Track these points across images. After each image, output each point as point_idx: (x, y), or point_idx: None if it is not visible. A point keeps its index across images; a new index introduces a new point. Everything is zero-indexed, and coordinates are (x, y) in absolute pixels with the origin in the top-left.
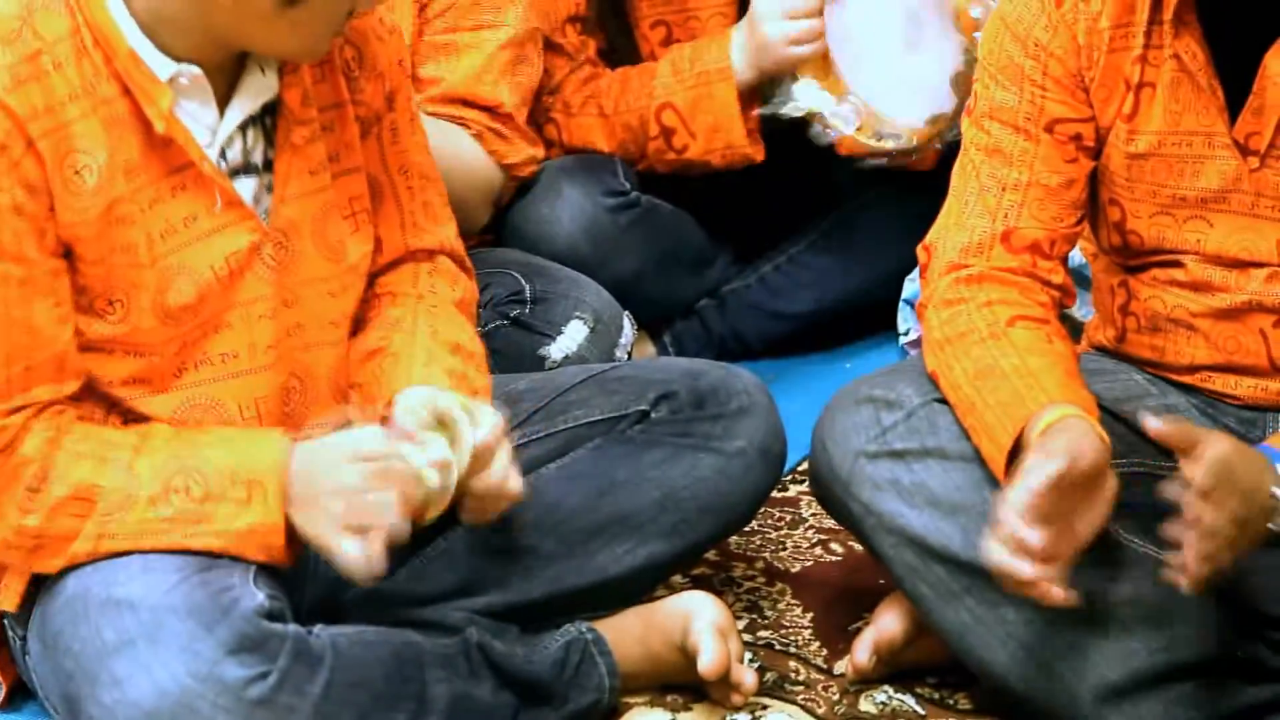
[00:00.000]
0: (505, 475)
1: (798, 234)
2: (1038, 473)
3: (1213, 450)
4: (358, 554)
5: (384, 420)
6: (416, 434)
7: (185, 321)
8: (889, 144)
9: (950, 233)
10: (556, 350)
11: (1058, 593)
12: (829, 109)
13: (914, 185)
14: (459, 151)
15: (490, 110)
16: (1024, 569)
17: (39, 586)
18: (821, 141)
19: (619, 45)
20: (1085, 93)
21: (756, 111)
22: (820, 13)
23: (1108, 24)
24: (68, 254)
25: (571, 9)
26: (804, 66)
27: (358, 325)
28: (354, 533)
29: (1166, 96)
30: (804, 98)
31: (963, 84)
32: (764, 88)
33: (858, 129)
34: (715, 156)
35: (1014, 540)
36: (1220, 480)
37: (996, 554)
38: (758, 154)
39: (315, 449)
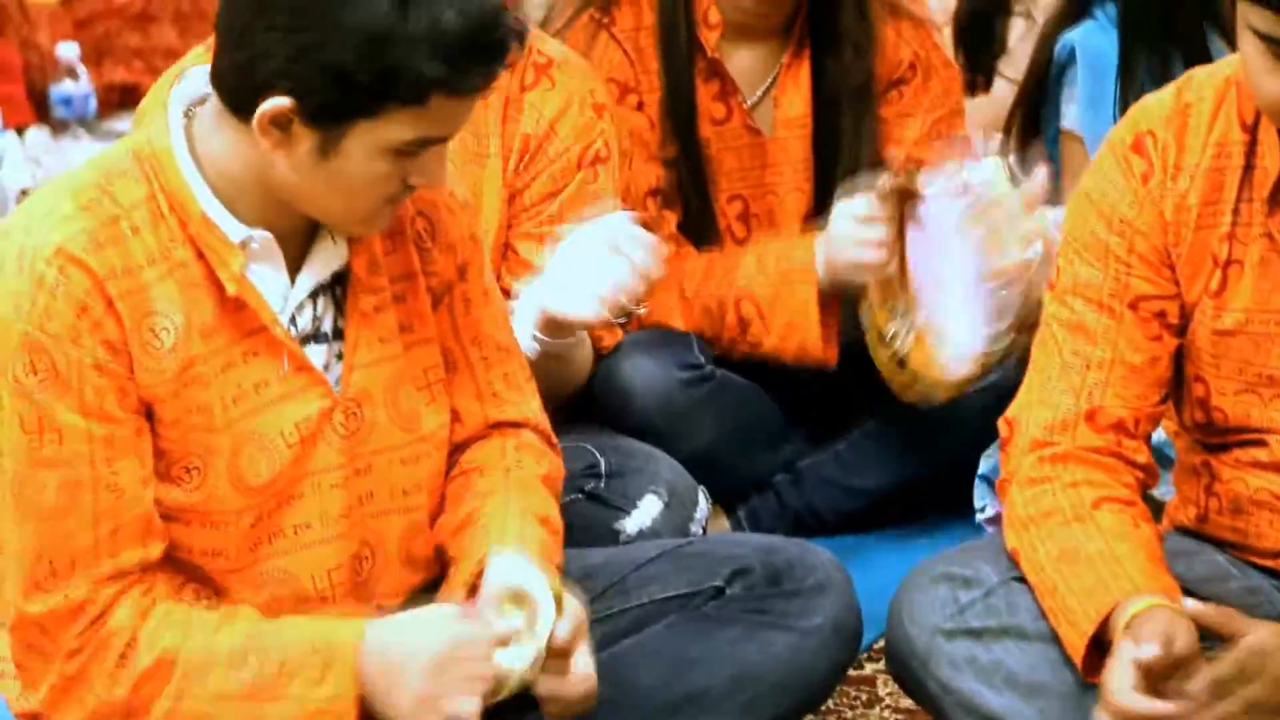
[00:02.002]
0: (587, 673)
1: (873, 409)
2: (1134, 654)
3: (1251, 637)
4: None
5: (473, 589)
6: (498, 612)
7: (260, 491)
8: (947, 368)
9: (1033, 409)
10: (631, 525)
11: None
12: (889, 327)
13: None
14: (581, 350)
15: None
16: None
17: None
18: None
19: (697, 218)
20: (1171, 269)
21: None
22: (892, 221)
23: (1196, 201)
24: (148, 414)
25: (653, 182)
26: (873, 285)
27: (444, 503)
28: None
29: (1255, 274)
30: (865, 317)
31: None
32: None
33: (915, 346)
34: (788, 353)
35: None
36: (1247, 667)
37: None
38: (830, 358)
39: (395, 629)
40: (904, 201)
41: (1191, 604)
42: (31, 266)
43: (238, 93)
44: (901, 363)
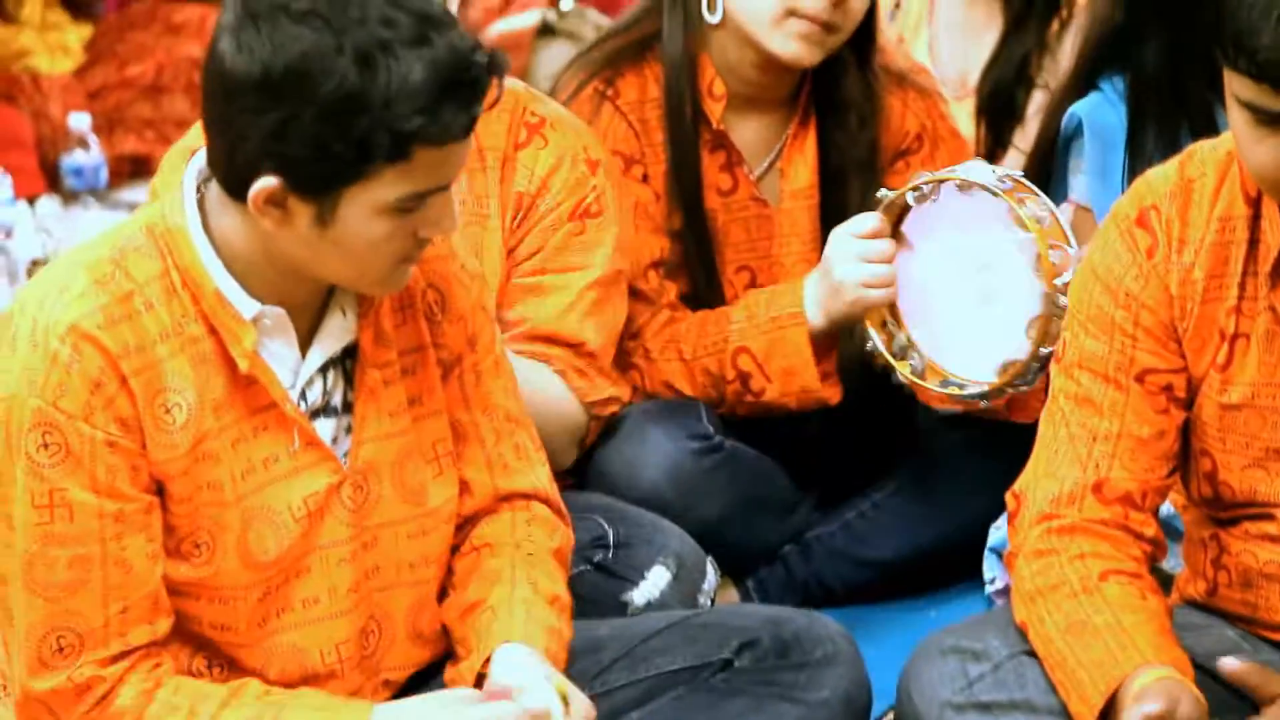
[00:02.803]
0: None
1: (882, 480)
2: (1139, 710)
3: None
4: None
5: (481, 678)
6: (513, 691)
7: (268, 567)
8: (953, 391)
9: (1040, 481)
10: (639, 596)
11: None
12: (894, 355)
13: (999, 431)
14: (542, 389)
15: (574, 348)
16: None
17: None
18: (898, 384)
19: (703, 290)
20: (1177, 343)
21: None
22: (888, 257)
23: (1201, 275)
24: (159, 491)
25: (655, 254)
26: (873, 313)
27: (455, 578)
28: None
29: (1261, 348)
30: (870, 343)
31: (1039, 329)
32: (843, 334)
33: (923, 377)
34: (791, 400)
35: None
36: None
37: None
38: (833, 397)
39: (405, 711)
40: (894, 224)
41: (1230, 662)
42: (45, 343)
43: (229, 178)
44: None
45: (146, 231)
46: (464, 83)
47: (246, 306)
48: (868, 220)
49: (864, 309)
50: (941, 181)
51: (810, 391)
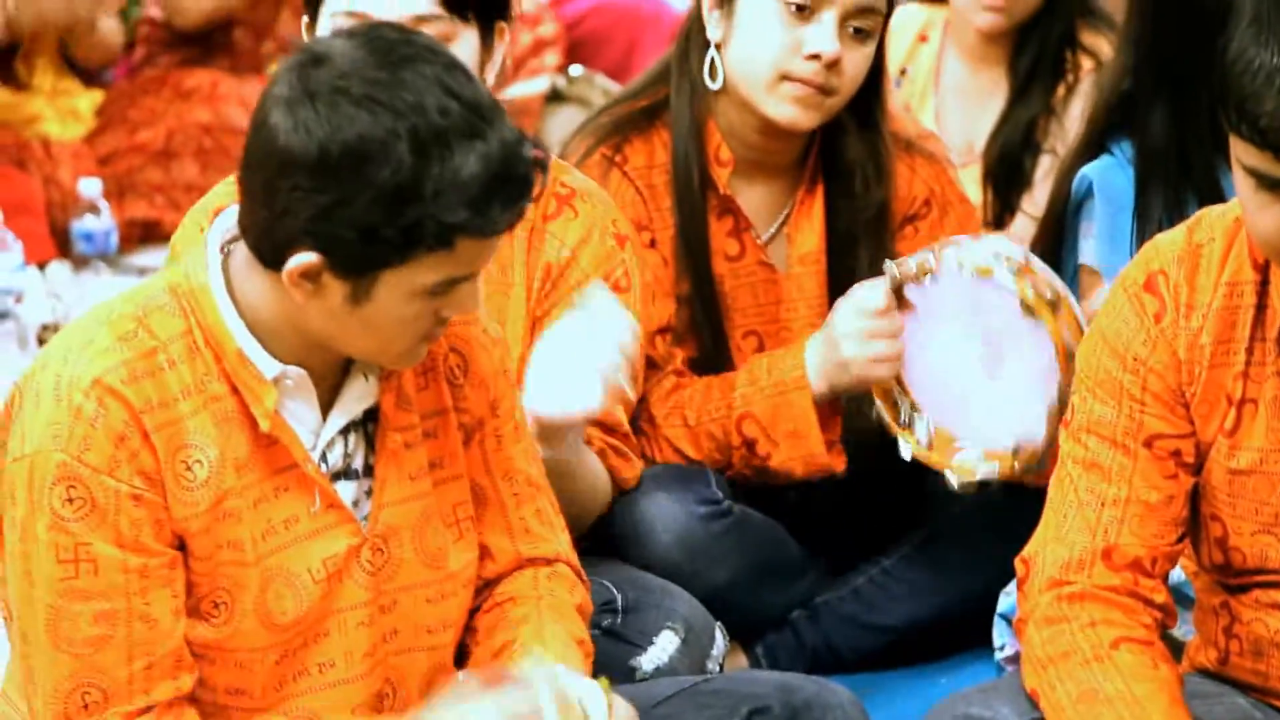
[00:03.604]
0: None
1: (891, 545)
2: None
3: None
4: None
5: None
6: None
7: (287, 629)
8: (964, 473)
9: (1049, 547)
10: (648, 661)
11: None
12: (901, 425)
13: (1009, 496)
14: (582, 466)
15: (610, 429)
16: None
17: None
18: (908, 457)
19: (711, 355)
20: (1185, 408)
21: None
22: (897, 333)
23: (1209, 340)
24: (181, 547)
25: (663, 321)
26: (879, 383)
27: (478, 633)
28: None
29: (1270, 413)
30: (876, 412)
31: (1055, 421)
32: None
33: (931, 445)
34: (797, 465)
35: None
36: None
37: None
38: (837, 465)
39: (446, 710)
40: (901, 294)
41: None
42: (69, 397)
43: (264, 247)
44: (930, 451)
45: (169, 290)
46: (513, 179)
47: (268, 366)
48: (875, 297)
49: (869, 384)
50: (946, 258)
51: (816, 457)
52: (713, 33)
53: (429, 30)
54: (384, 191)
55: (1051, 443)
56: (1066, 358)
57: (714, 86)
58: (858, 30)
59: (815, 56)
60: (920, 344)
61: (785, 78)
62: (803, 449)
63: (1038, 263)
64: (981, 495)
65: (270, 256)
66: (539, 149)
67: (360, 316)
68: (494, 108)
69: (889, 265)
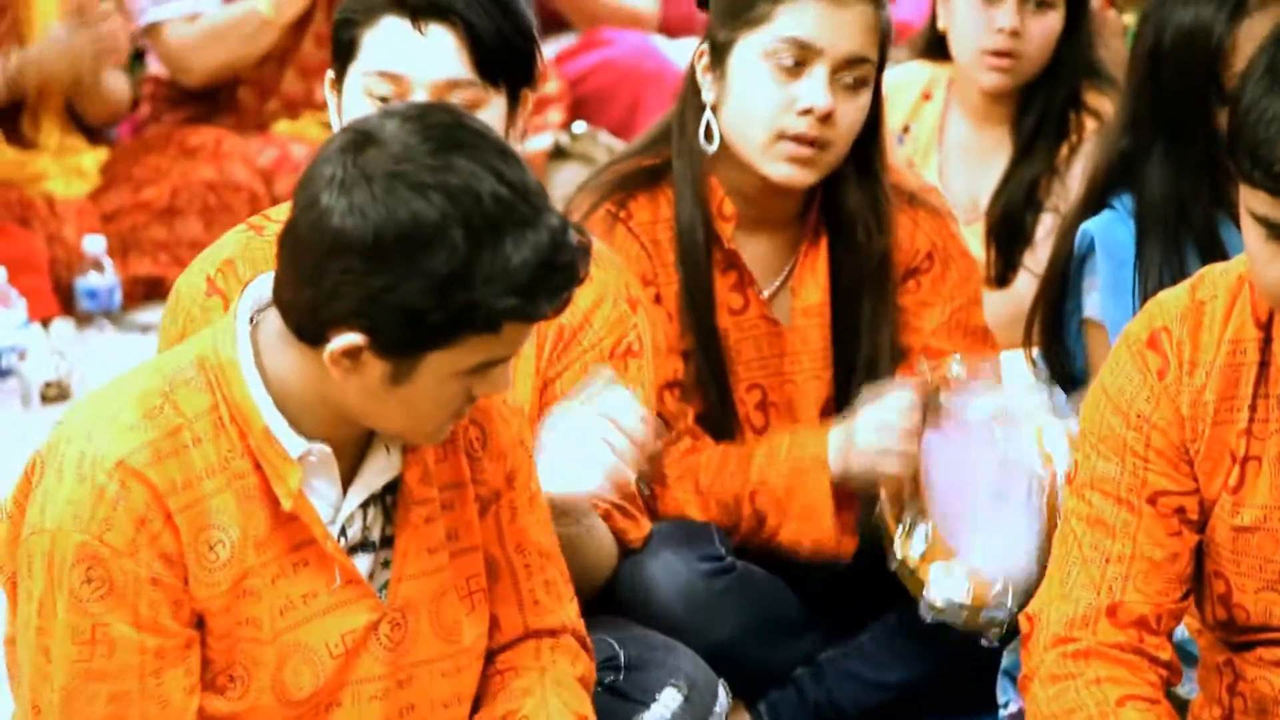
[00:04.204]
0: None
1: (895, 602)
2: None
3: None
4: None
5: None
6: None
7: (302, 703)
8: (934, 600)
9: (1054, 604)
10: (651, 719)
11: None
12: (902, 526)
13: None
14: (597, 535)
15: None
16: None
17: None
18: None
19: (715, 408)
20: (1189, 465)
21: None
22: (915, 435)
23: (1212, 397)
24: (199, 624)
25: (670, 375)
26: (890, 483)
27: (479, 703)
28: None
29: (1273, 470)
30: (879, 510)
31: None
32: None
33: (927, 555)
34: (806, 543)
35: None
36: None
37: None
38: (846, 550)
39: None
40: (926, 403)
41: None
42: (92, 477)
43: (306, 324)
44: (913, 573)
45: (198, 364)
46: (561, 267)
47: (294, 445)
48: (901, 393)
49: (877, 477)
50: (974, 376)
51: (826, 537)
52: (707, 95)
53: (459, 95)
54: (436, 278)
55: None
56: (1054, 508)
57: (709, 150)
58: (850, 82)
59: (808, 111)
60: (943, 457)
61: (781, 136)
62: (813, 529)
63: (1058, 398)
64: None
65: (312, 334)
66: (582, 234)
67: (398, 396)
68: (542, 193)
69: (922, 365)
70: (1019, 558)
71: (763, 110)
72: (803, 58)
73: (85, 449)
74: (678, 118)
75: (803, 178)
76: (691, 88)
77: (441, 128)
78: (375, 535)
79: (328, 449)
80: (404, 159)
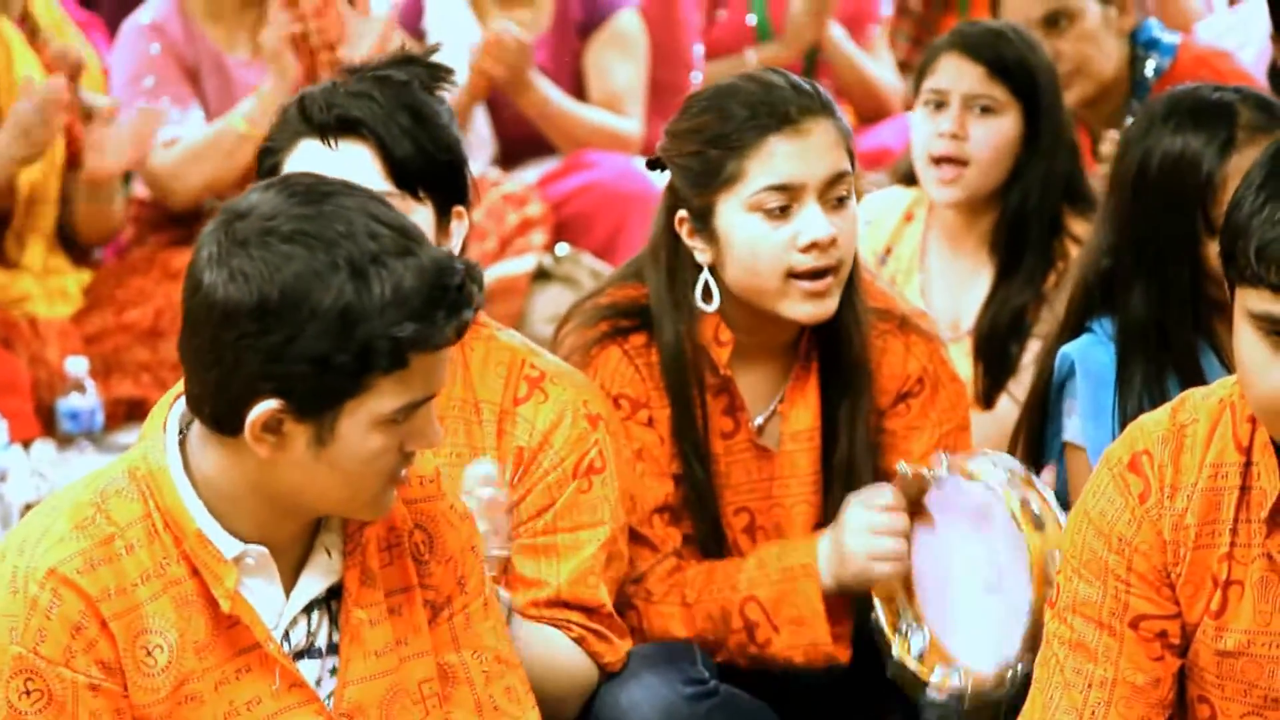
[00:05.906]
0: None
1: (892, 710)
2: None
3: None
4: None
5: None
6: None
7: None
8: (933, 693)
9: None
10: None
11: None
12: (898, 631)
13: None
14: (558, 656)
15: (592, 611)
16: None
17: None
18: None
19: (704, 532)
20: (1171, 589)
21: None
22: (906, 535)
23: (1194, 521)
24: None
25: (660, 499)
26: (882, 586)
27: None
28: None
29: (1256, 595)
30: (875, 616)
31: (1032, 646)
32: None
33: (924, 657)
34: (798, 653)
35: None
36: None
37: None
38: (842, 655)
39: None
40: (913, 503)
41: None
42: (25, 589)
43: (220, 411)
44: (915, 679)
45: (129, 474)
46: (451, 287)
47: (228, 546)
48: (884, 494)
49: (870, 580)
50: (954, 471)
51: (819, 646)
52: (701, 258)
53: None
54: (330, 317)
55: (1024, 663)
56: (1043, 579)
57: (709, 309)
58: (837, 200)
59: (813, 245)
60: (933, 554)
61: (790, 275)
62: (806, 637)
63: (1038, 481)
64: None
65: (228, 419)
66: (468, 265)
67: (327, 460)
68: (418, 231)
69: (901, 466)
70: (1014, 644)
71: (767, 258)
72: (789, 199)
73: (18, 563)
74: (665, 283)
75: (826, 310)
76: (671, 251)
77: (306, 185)
78: (321, 641)
79: (264, 550)
80: (274, 216)
